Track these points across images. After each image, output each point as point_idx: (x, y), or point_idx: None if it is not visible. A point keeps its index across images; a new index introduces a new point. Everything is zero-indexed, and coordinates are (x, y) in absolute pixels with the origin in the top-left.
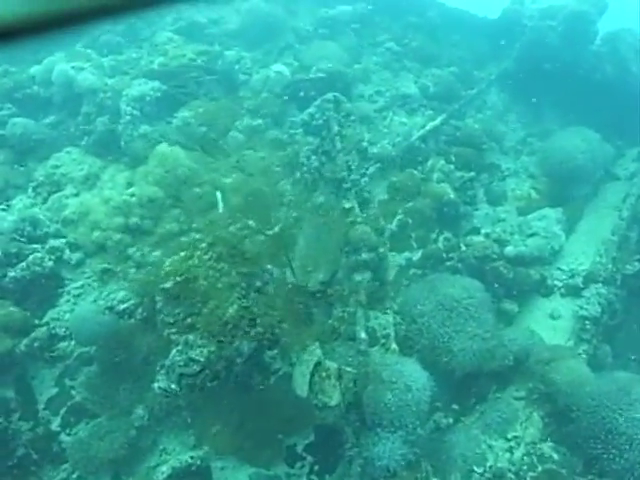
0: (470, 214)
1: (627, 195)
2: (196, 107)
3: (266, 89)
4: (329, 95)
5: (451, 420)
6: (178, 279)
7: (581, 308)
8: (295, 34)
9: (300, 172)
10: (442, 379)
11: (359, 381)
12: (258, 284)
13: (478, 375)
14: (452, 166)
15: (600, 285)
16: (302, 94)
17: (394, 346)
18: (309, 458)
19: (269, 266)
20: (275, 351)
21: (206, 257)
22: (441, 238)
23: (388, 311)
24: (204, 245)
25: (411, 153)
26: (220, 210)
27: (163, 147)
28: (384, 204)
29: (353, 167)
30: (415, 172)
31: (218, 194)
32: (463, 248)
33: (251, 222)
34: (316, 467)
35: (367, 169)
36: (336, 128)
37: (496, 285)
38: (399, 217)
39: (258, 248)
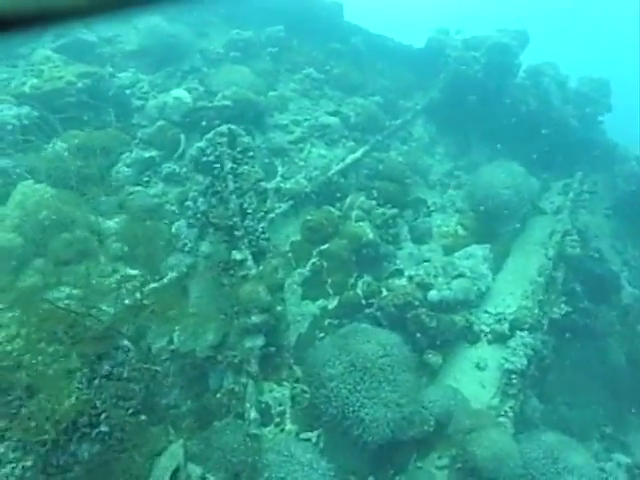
0: (392, 254)
1: (553, 232)
2: (72, 137)
3: (163, 117)
4: (222, 128)
5: None
6: None
7: (507, 361)
8: (203, 57)
9: (186, 217)
10: (357, 448)
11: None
12: (107, 367)
13: (397, 443)
14: (374, 202)
15: (526, 333)
16: (204, 123)
17: (289, 426)
18: None
19: (125, 342)
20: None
21: (34, 337)
22: (360, 283)
23: (285, 382)
24: (33, 320)
25: (329, 188)
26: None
27: (25, 185)
28: (297, 246)
29: (249, 211)
30: (332, 210)
31: None
32: (384, 293)
33: (134, 272)
34: None
35: (266, 213)
36: (229, 165)
37: (418, 335)
38: (313, 260)
39: (115, 316)
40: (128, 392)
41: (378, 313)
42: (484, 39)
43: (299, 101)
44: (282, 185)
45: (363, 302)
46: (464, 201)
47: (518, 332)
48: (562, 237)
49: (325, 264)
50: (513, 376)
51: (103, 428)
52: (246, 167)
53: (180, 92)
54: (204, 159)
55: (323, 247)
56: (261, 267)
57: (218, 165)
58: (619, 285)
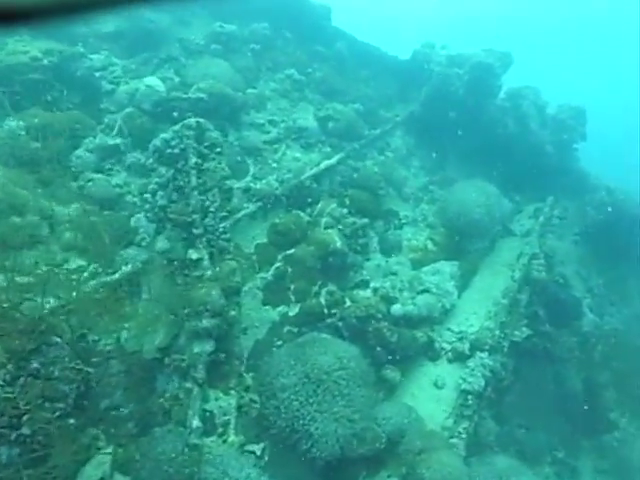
0: (360, 265)
1: (520, 254)
2: (31, 116)
3: (133, 104)
4: (191, 120)
5: None
6: None
7: (464, 381)
8: (182, 46)
9: (144, 211)
10: (305, 464)
11: None
12: (35, 365)
13: (346, 459)
14: (345, 210)
15: (486, 355)
16: (176, 114)
17: (232, 437)
18: None
19: (57, 338)
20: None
21: None
22: (324, 291)
23: (232, 391)
24: None
25: (300, 193)
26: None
27: None
28: (262, 249)
29: (211, 209)
30: (302, 214)
31: None
32: (348, 303)
33: (87, 263)
34: None
35: (230, 212)
36: (194, 160)
37: (379, 349)
38: (277, 265)
39: (56, 309)
40: (57, 393)
41: (340, 323)
42: (469, 57)
43: (278, 101)
44: (252, 185)
45: (325, 311)
46: (436, 216)
47: (478, 353)
48: (529, 260)
49: (289, 270)
50: (469, 397)
51: (25, 430)
52: (212, 163)
53: (154, 80)
54: (168, 151)
55: (289, 252)
56: (218, 268)
57: (182, 159)
58: (581, 311)
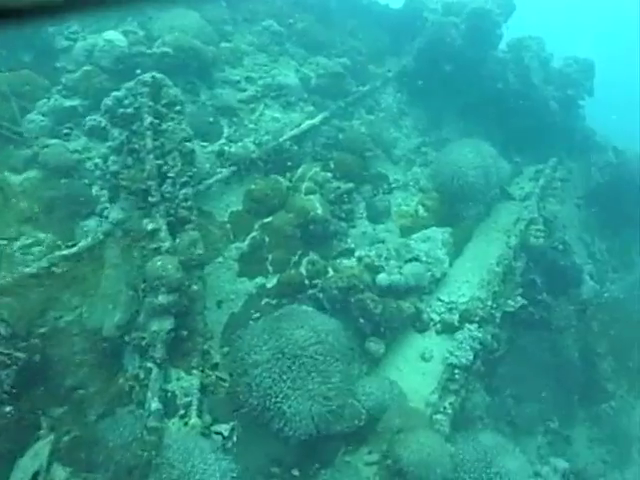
0: (344, 232)
1: (518, 219)
2: None
3: (91, 61)
4: (146, 76)
5: None
6: None
7: (451, 354)
8: None
9: (93, 178)
10: (279, 442)
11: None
12: None
13: (323, 437)
14: (329, 174)
15: (475, 327)
16: (139, 72)
17: (194, 420)
18: None
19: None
20: None
21: None
22: (304, 261)
23: (195, 371)
24: None
25: (279, 156)
26: None
27: None
28: (236, 217)
29: (170, 174)
30: (281, 180)
31: None
32: (331, 273)
33: (44, 235)
34: None
35: (191, 177)
36: (149, 120)
37: (362, 321)
38: (253, 234)
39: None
40: None
41: (320, 295)
42: (466, 3)
43: (255, 56)
44: (226, 148)
45: (306, 282)
46: (429, 180)
47: (467, 325)
48: (526, 226)
49: (267, 239)
50: (456, 371)
51: None
52: (171, 124)
53: (114, 34)
54: (121, 111)
55: (266, 220)
56: (178, 240)
57: (137, 119)
58: (580, 279)
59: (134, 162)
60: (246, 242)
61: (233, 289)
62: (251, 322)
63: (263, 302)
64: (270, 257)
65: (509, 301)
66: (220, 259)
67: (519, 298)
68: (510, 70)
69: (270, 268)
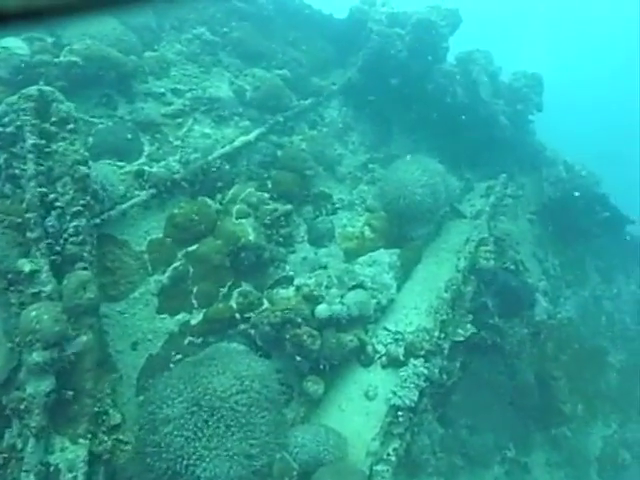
0: (282, 259)
1: (467, 240)
2: None
3: None
4: (32, 89)
5: None
6: None
7: (394, 395)
8: None
9: None
10: None
11: None
12: None
13: None
14: (266, 195)
15: (421, 361)
16: (42, 84)
17: None
18: None
19: None
20: None
21: None
22: (235, 293)
23: (81, 440)
24: None
25: (208, 176)
26: None
27: None
28: (156, 246)
29: (60, 204)
30: (210, 202)
31: None
32: (266, 305)
33: None
34: None
35: (84, 206)
36: (31, 141)
37: (299, 358)
38: (176, 265)
39: None
40: None
41: (252, 331)
42: (411, 14)
43: (185, 67)
44: (146, 168)
45: (237, 316)
46: (376, 198)
47: (412, 360)
48: (476, 247)
49: (191, 270)
50: (400, 413)
51: None
52: (62, 144)
53: (14, 41)
54: (0, 130)
55: (191, 248)
56: (65, 282)
57: (19, 139)
58: (533, 300)
59: (13, 190)
60: (167, 274)
61: (151, 328)
62: (172, 365)
63: (186, 341)
64: (195, 290)
65: (458, 329)
66: (136, 294)
67: (469, 326)
68: (458, 84)
69: (195, 302)
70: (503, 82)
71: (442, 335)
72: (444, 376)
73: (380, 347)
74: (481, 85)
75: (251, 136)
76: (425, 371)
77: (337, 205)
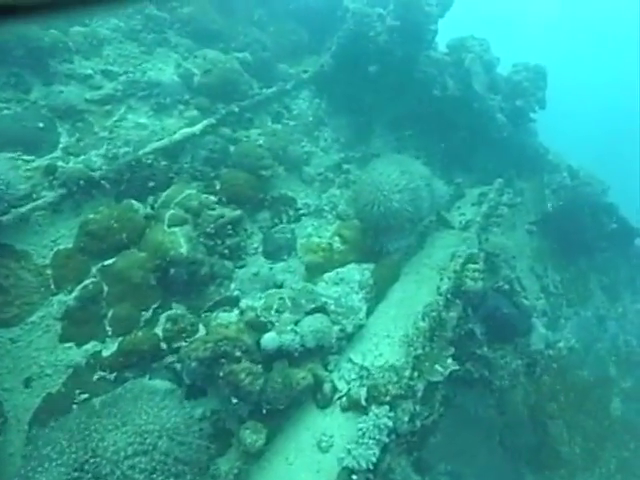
0: (227, 275)
1: (453, 256)
2: None
3: None
4: None
5: None
6: None
7: (349, 453)
8: None
9: None
10: None
11: None
12: None
13: None
14: (212, 198)
15: (385, 410)
16: None
17: None
18: None
19: None
20: None
21: None
22: (163, 318)
23: None
24: None
25: (137, 174)
26: None
27: None
28: (63, 259)
29: None
30: (136, 206)
31: None
32: (201, 333)
33: None
34: None
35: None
36: None
37: (235, 400)
38: (87, 282)
39: None
40: None
41: (179, 366)
42: None
43: (122, 45)
44: (60, 163)
45: (164, 346)
46: (349, 205)
47: (374, 407)
48: (463, 264)
49: (106, 288)
50: (354, 477)
51: None
52: None
53: None
54: None
55: (107, 262)
56: None
57: None
58: (529, 325)
59: None
60: (74, 293)
61: (51, 360)
62: (75, 408)
63: (96, 377)
64: (110, 314)
65: (436, 366)
66: (34, 318)
67: (449, 361)
68: (449, 74)
69: (109, 329)
70: (501, 75)
71: (415, 374)
72: (417, 423)
73: (342, 384)
74: (474, 75)
75: (196, 128)
76: (389, 423)
77: (302, 211)
